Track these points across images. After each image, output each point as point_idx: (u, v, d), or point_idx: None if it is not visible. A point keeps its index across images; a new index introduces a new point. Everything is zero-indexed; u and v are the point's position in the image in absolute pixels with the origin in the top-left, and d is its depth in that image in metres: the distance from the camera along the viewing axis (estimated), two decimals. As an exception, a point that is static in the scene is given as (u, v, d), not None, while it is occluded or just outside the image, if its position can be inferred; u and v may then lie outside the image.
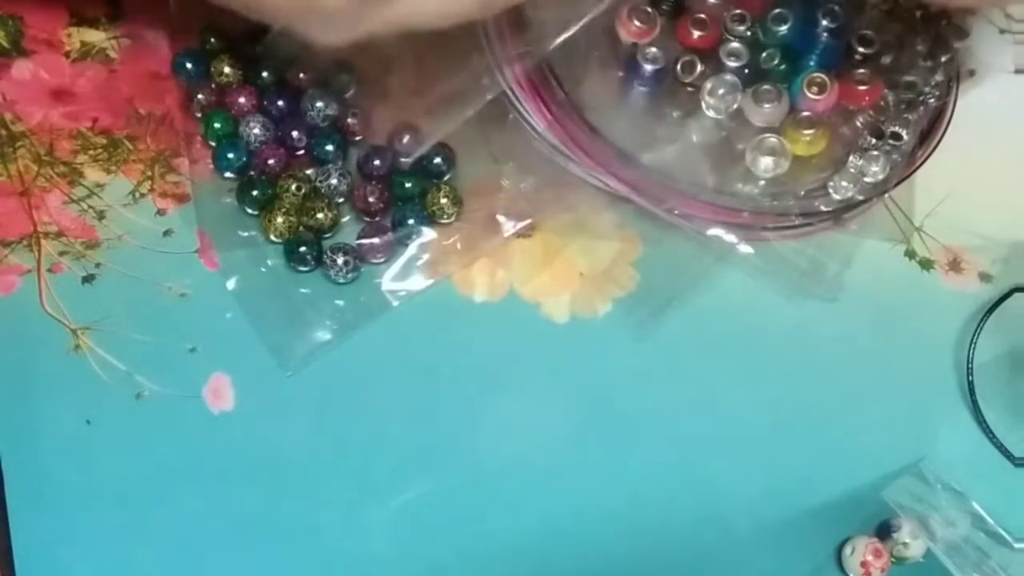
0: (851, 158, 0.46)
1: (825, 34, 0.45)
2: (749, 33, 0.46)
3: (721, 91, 0.45)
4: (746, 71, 0.45)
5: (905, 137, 0.46)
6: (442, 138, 0.46)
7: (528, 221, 0.47)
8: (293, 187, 0.46)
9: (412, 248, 0.47)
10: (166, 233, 0.46)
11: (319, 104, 0.46)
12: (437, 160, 0.47)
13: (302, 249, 0.45)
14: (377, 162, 0.46)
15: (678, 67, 0.45)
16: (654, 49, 0.45)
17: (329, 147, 0.46)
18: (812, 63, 0.46)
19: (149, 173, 0.47)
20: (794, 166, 0.45)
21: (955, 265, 0.49)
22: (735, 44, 0.45)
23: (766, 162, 0.45)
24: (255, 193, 0.46)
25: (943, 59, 0.47)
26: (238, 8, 0.37)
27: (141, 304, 0.45)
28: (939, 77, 0.47)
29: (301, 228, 0.46)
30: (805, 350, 0.47)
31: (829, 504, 0.45)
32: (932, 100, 0.47)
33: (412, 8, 0.36)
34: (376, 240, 0.46)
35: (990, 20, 0.52)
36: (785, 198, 0.46)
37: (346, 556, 0.43)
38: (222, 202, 0.46)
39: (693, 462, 0.45)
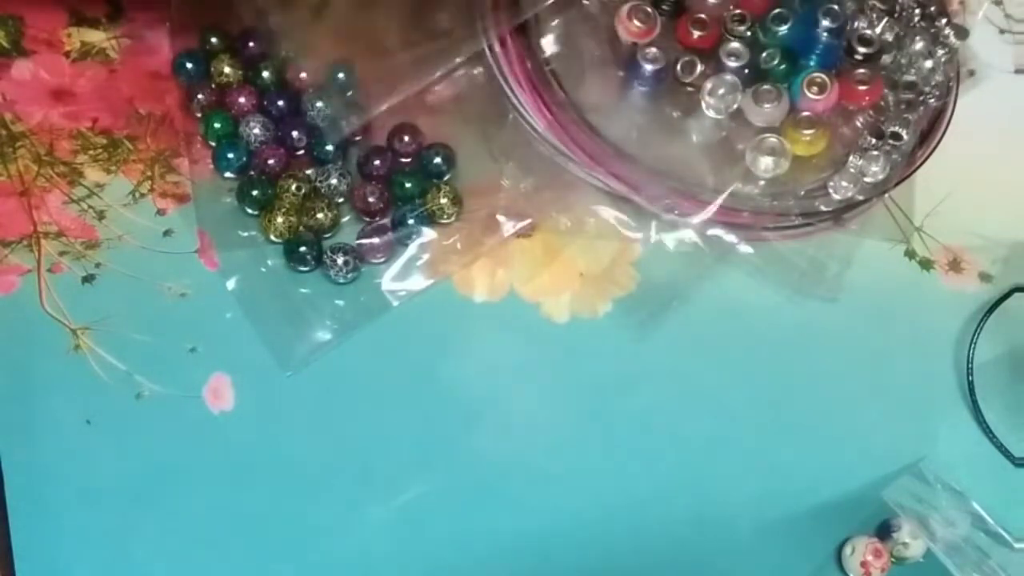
0: (851, 158, 0.46)
1: (825, 34, 0.45)
2: (749, 33, 0.46)
3: (721, 91, 0.45)
4: (746, 71, 0.45)
5: (905, 137, 0.46)
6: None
7: (528, 221, 0.47)
8: (293, 187, 0.46)
9: (412, 248, 0.46)
10: (166, 233, 0.46)
11: (319, 104, 0.46)
12: (437, 160, 0.47)
13: (302, 249, 0.45)
14: (377, 162, 0.46)
15: (678, 67, 0.45)
16: (654, 49, 0.45)
17: (329, 147, 0.46)
18: (812, 63, 0.46)
19: (149, 173, 0.47)
20: (794, 166, 0.45)
21: (955, 265, 0.49)
22: (735, 44, 0.45)
23: (766, 162, 0.45)
24: (255, 193, 0.46)
25: (943, 59, 0.47)
26: None
27: (141, 304, 0.45)
28: (939, 77, 0.47)
29: (301, 228, 0.46)
30: (805, 350, 0.47)
31: (829, 504, 0.45)
32: (932, 100, 0.47)
33: None
34: (376, 240, 0.46)
35: (990, 20, 0.52)
36: (785, 198, 0.46)
37: (346, 556, 0.43)
38: (222, 202, 0.47)
39: (693, 462, 0.45)
